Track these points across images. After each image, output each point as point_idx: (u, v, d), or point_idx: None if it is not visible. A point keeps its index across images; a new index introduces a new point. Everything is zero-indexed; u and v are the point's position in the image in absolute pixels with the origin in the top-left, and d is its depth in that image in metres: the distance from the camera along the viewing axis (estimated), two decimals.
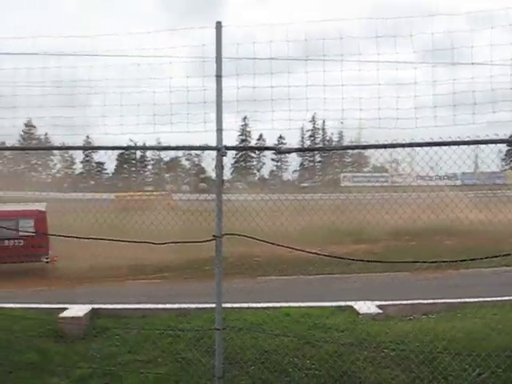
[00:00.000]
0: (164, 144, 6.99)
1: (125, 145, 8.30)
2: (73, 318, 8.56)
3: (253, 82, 6.88)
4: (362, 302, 9.36)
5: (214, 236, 6.21)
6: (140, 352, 7.80)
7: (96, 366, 7.47)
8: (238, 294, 10.12)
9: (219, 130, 6.29)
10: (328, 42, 6.65)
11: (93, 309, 9.02)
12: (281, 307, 9.18)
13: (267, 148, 6.96)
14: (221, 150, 6.20)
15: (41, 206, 17.67)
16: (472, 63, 6.45)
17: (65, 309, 9.05)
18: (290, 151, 6.39)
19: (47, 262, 17.31)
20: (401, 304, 9.51)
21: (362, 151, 68.99)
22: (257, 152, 64.31)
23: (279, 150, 6.30)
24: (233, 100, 6.84)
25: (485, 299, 9.77)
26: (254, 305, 9.07)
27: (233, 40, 6.78)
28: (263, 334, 7.82)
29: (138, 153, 70.71)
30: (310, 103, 6.80)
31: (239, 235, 6.47)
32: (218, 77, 6.47)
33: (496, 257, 7.09)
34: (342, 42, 6.54)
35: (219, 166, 6.25)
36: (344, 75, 6.66)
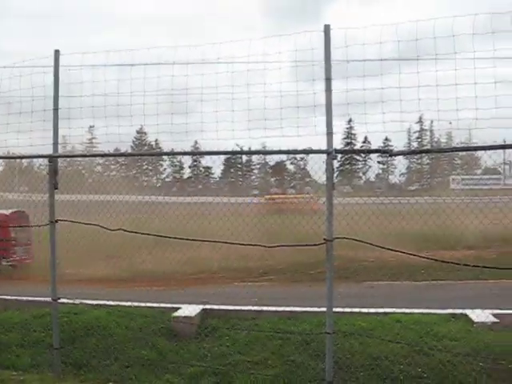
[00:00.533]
0: (271, 148, 7.06)
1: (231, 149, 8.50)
2: (185, 317, 8.83)
3: (362, 84, 6.83)
4: (476, 310, 8.93)
5: (324, 239, 6.20)
6: (249, 353, 7.91)
7: (207, 365, 7.67)
8: (344, 299, 10.02)
9: (329, 134, 6.29)
10: (439, 40, 6.48)
11: (204, 309, 9.25)
12: (391, 313, 8.96)
13: (377, 151, 6.82)
14: (331, 154, 6.20)
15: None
16: None
17: (178, 308, 9.36)
18: (402, 153, 6.26)
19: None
20: None
21: (473, 153, 66.59)
22: (362, 155, 63.38)
23: (391, 153, 6.18)
24: (341, 103, 6.82)
25: None
26: (364, 310, 8.92)
27: (339, 42, 6.77)
28: (373, 340, 7.68)
29: (244, 157, 71.89)
30: (422, 104, 6.65)
31: (350, 239, 6.41)
32: (328, 80, 6.47)
33: None
34: (455, 39, 6.35)
35: (330, 170, 6.23)
36: (457, 74, 6.45)
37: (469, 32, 6.37)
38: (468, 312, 8.96)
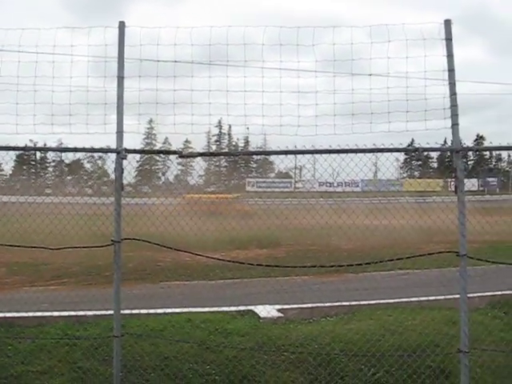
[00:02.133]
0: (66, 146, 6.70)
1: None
2: None
3: (156, 85, 6.77)
4: (262, 306, 9.43)
5: (112, 241, 6.04)
6: (34, 362, 7.42)
7: None
8: (139, 300, 9.91)
9: (119, 133, 6.15)
10: (232, 47, 6.68)
11: None
12: (183, 313, 9.07)
13: (168, 152, 6.82)
14: (120, 153, 6.06)
15: None
16: (370, 74, 6.68)
17: None
18: (191, 155, 6.34)
19: None
20: (301, 307, 9.67)
21: (267, 157, 70.73)
22: (162, 156, 63.55)
23: (181, 154, 6.23)
24: (135, 102, 6.70)
25: (380, 301, 10.14)
26: (155, 311, 8.89)
27: (136, 41, 6.66)
28: (163, 341, 7.69)
29: (39, 154, 67.77)
30: (213, 108, 6.79)
31: (138, 240, 6.33)
32: (120, 78, 6.33)
33: (390, 261, 7.39)
34: (246, 48, 6.58)
35: (119, 170, 6.09)
36: (247, 81, 6.69)
37: (259, 42, 6.66)
38: (255, 308, 9.41)
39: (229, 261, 8.45)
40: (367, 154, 6.32)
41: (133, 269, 14.46)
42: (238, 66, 6.80)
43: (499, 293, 10.59)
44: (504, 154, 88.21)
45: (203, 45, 6.78)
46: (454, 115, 6.04)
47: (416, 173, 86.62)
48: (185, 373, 7.17)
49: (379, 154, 6.41)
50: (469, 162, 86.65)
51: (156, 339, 7.70)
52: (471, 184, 67.10)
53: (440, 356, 7.18)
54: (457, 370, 6.30)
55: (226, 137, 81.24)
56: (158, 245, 6.55)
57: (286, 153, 6.25)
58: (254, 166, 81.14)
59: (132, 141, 6.58)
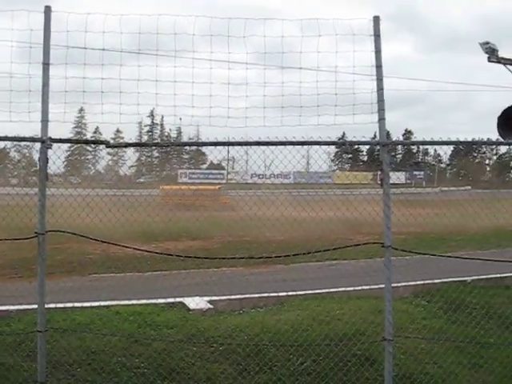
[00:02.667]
0: None
1: None
2: None
3: (83, 73, 6.58)
4: (192, 298, 9.40)
5: (36, 233, 5.85)
6: None
7: None
8: (65, 294, 9.64)
9: (44, 121, 5.95)
10: (162, 37, 6.57)
11: None
12: (111, 306, 8.90)
13: (95, 142, 6.68)
14: (45, 142, 5.86)
15: None
16: (300, 68, 6.73)
17: None
18: (119, 146, 6.22)
19: None
20: (231, 299, 9.71)
21: (200, 148, 70.40)
22: (92, 146, 62.07)
23: (108, 145, 6.09)
24: (61, 90, 6.49)
25: (309, 292, 10.32)
26: (82, 304, 8.69)
27: (63, 27, 6.43)
28: (91, 335, 7.52)
29: None
30: (143, 98, 6.67)
31: (63, 232, 6.16)
32: (46, 65, 6.11)
33: (318, 252, 7.52)
34: (176, 37, 6.49)
35: (43, 159, 5.89)
36: (177, 71, 6.60)
37: (190, 32, 6.58)
38: (186, 300, 9.37)
39: (157, 252, 8.35)
40: (297, 147, 6.37)
41: (61, 261, 14.11)
42: (168, 56, 6.71)
43: (421, 282, 10.99)
44: (431, 148, 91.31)
45: (133, 33, 6.63)
46: (381, 110, 6.17)
47: (346, 166, 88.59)
48: (112, 367, 7.04)
49: (310, 147, 6.49)
50: (397, 156, 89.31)
51: (83, 333, 7.53)
52: (397, 177, 69.25)
53: (365, 344, 7.37)
54: (382, 358, 6.48)
55: (159, 127, 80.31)
56: (83, 236, 6.41)
57: (215, 144, 6.23)
58: (187, 157, 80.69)
59: (63, 130, 6.37)
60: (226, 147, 6.61)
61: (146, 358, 7.19)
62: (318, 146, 6.48)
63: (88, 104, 6.52)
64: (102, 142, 6.24)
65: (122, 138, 7.35)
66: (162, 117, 69.51)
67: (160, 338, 7.65)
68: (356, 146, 77.73)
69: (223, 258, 11.71)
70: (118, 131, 14.68)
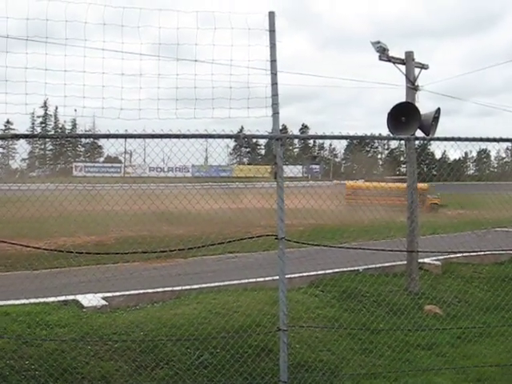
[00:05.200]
0: None
1: None
2: None
3: None
4: (85, 295, 9.12)
5: None
6: None
7: None
8: None
9: None
10: (52, 23, 6.29)
11: None
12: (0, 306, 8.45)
13: None
14: None
15: None
16: (195, 60, 6.70)
17: None
18: (5, 137, 5.89)
19: None
20: (126, 294, 9.52)
21: (96, 141, 68.45)
22: None
23: None
24: None
25: (207, 285, 10.33)
26: None
27: None
28: None
29: None
30: (31, 87, 6.35)
31: None
32: None
33: (220, 244, 7.53)
34: (68, 25, 6.24)
35: None
36: (68, 61, 6.35)
37: (82, 20, 6.34)
38: (79, 297, 9.08)
39: (46, 249, 8.02)
40: (193, 140, 6.33)
41: None
42: (58, 44, 6.44)
43: (316, 273, 11.32)
44: (326, 143, 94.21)
45: (21, 18, 6.31)
46: (275, 104, 6.27)
47: (245, 159, 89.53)
48: (1, 370, 6.68)
49: (211, 140, 6.47)
50: (294, 150, 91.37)
51: None
52: (297, 170, 70.97)
53: (261, 335, 7.49)
54: (277, 348, 6.60)
55: (53, 119, 77.10)
56: None
57: (107, 136, 6.08)
58: (82, 149, 78.13)
59: None
60: (122, 140, 6.45)
61: (37, 360, 6.90)
62: (217, 140, 6.48)
63: None
64: None
65: (14, 129, 6.98)
66: (56, 108, 67.05)
67: (52, 337, 7.37)
68: (254, 140, 78.87)
69: (117, 254, 11.47)
70: (8, 122, 13.96)
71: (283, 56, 6.49)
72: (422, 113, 8.45)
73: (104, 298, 9.13)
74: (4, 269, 13.51)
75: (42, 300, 8.96)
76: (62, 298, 9.07)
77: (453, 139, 6.76)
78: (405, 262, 11.61)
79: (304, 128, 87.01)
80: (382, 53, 11.27)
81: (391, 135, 7.72)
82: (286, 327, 6.39)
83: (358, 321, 8.99)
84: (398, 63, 11.58)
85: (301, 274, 10.86)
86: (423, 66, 11.70)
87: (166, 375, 7.03)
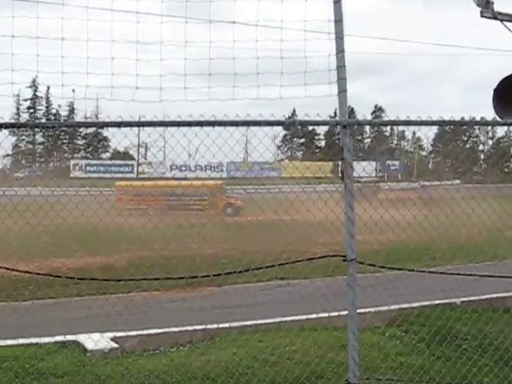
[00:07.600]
0: None
1: None
2: None
3: None
4: (90, 335, 9.23)
5: None
6: None
7: None
8: None
9: None
10: None
11: None
12: None
13: None
14: None
15: None
16: (234, 22, 6.67)
17: None
18: None
19: None
20: (143, 334, 9.60)
21: (101, 131, 69.27)
22: None
23: None
24: None
25: (251, 323, 10.31)
26: None
27: None
28: None
29: None
30: (18, 61, 6.46)
31: None
32: None
33: (268, 267, 7.49)
34: None
35: None
36: (66, 24, 6.43)
37: None
38: (82, 338, 9.19)
39: (37, 273, 8.13)
40: (230, 129, 6.29)
41: None
42: (53, 4, 6.55)
43: (396, 307, 11.16)
44: (408, 131, 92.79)
45: None
46: (341, 79, 6.18)
47: (299, 153, 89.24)
48: None
49: (255, 129, 6.40)
50: (365, 141, 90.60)
51: None
52: (371, 168, 70.40)
53: None
54: None
55: (44, 102, 78.48)
56: None
57: (119, 125, 6.08)
58: (82, 142, 79.23)
59: None
60: (135, 129, 6.48)
61: None
62: (258, 128, 6.43)
63: None
64: None
65: None
66: (48, 88, 68.03)
67: None
68: (310, 128, 78.73)
69: (131, 280, 11.55)
70: None
71: (347, 14, 6.40)
72: None
73: (114, 339, 9.23)
74: None
75: (33, 341, 9.13)
76: (60, 338, 9.22)
77: None
78: None
79: (378, 111, 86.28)
80: (485, 7, 11.06)
81: (498, 119, 7.56)
82: (358, 380, 6.31)
83: (456, 373, 8.83)
84: (508, 21, 11.35)
85: (377, 309, 10.74)
86: None
87: None
